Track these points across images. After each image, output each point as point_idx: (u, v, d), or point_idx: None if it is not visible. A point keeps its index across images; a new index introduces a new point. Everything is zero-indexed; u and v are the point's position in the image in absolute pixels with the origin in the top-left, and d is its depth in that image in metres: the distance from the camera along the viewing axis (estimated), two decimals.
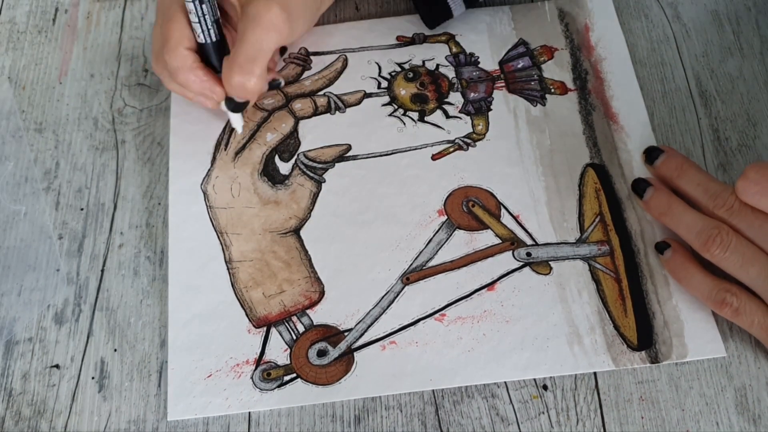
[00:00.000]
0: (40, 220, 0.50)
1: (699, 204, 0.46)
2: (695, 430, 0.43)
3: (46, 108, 0.55)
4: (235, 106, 0.49)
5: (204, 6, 0.46)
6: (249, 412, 0.44)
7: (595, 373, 0.45)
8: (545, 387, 0.44)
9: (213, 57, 0.49)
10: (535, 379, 0.44)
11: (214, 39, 0.48)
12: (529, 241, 0.48)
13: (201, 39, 0.48)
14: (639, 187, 0.49)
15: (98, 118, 0.54)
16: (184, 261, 0.48)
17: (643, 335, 0.45)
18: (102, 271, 0.49)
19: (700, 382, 0.44)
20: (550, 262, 0.48)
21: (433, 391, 0.44)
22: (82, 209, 0.51)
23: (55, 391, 0.45)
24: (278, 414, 0.44)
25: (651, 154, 0.49)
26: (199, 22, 0.47)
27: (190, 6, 0.46)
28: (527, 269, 0.47)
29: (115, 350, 0.46)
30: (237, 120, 0.51)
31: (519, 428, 0.43)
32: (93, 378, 0.45)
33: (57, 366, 0.46)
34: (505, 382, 0.44)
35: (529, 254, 0.48)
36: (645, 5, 0.58)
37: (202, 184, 0.51)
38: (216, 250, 0.49)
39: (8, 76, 0.56)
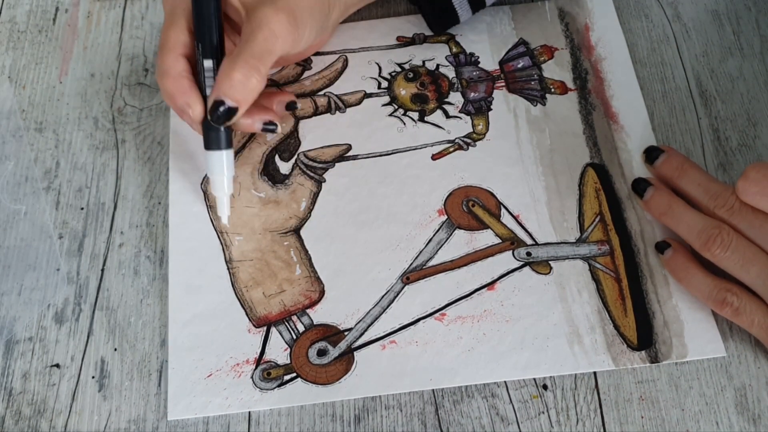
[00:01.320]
0: (40, 220, 0.50)
1: (699, 204, 0.46)
2: (695, 429, 0.43)
3: (46, 107, 0.55)
4: (220, 114, 0.44)
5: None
6: (249, 412, 0.44)
7: (595, 373, 0.45)
8: (545, 387, 0.44)
9: (203, 75, 0.46)
10: (535, 379, 0.44)
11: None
12: (529, 241, 0.48)
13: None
14: (639, 186, 0.49)
15: (98, 118, 0.54)
16: (185, 260, 0.48)
17: (643, 335, 0.45)
18: (102, 270, 0.49)
19: (700, 382, 0.44)
20: (550, 262, 0.48)
21: (433, 390, 0.44)
22: (82, 209, 0.51)
23: (55, 391, 0.45)
24: (278, 413, 0.44)
25: (651, 154, 0.49)
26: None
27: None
28: (527, 269, 0.47)
29: (115, 350, 0.46)
30: (219, 186, 0.47)
31: (519, 428, 0.43)
32: (93, 377, 0.45)
33: (57, 365, 0.46)
34: (505, 382, 0.44)
35: (529, 254, 0.48)
36: (645, 5, 0.58)
37: (202, 184, 0.51)
38: (216, 249, 0.49)
39: (8, 75, 0.56)
